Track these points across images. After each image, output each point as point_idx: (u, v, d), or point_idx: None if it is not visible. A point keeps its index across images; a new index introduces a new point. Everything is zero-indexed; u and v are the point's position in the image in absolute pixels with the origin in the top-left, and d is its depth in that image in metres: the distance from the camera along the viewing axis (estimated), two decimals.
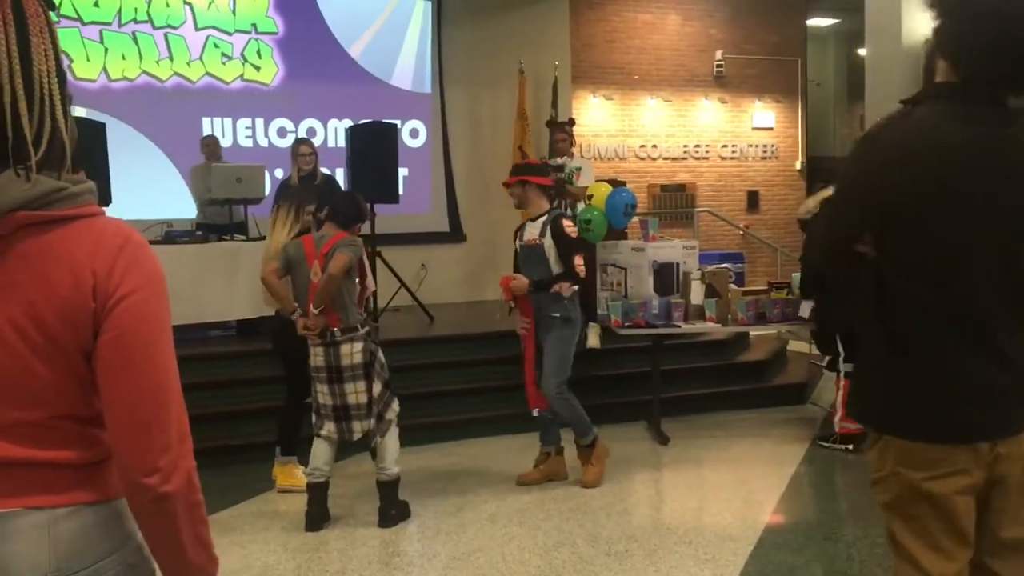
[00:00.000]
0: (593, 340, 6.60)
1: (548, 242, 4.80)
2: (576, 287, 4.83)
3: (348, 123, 8.85)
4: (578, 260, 4.77)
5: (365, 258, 4.83)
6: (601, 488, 4.97)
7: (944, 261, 1.82)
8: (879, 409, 1.96)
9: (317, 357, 4.39)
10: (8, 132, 1.13)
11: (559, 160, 7.09)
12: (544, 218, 4.85)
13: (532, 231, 4.88)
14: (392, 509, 4.49)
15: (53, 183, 1.17)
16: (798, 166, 12.41)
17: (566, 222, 4.84)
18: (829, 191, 5.51)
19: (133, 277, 1.19)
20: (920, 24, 9.13)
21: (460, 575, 3.84)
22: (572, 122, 7.74)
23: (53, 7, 1.22)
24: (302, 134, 9.25)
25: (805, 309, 5.78)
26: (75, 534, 1.21)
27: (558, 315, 4.82)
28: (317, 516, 4.45)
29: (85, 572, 1.21)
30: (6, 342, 1.14)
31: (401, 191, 7.92)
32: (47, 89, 1.17)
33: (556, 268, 4.79)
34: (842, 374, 5.61)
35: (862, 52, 10.70)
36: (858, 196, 1.90)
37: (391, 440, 4.47)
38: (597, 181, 7.00)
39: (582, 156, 9.77)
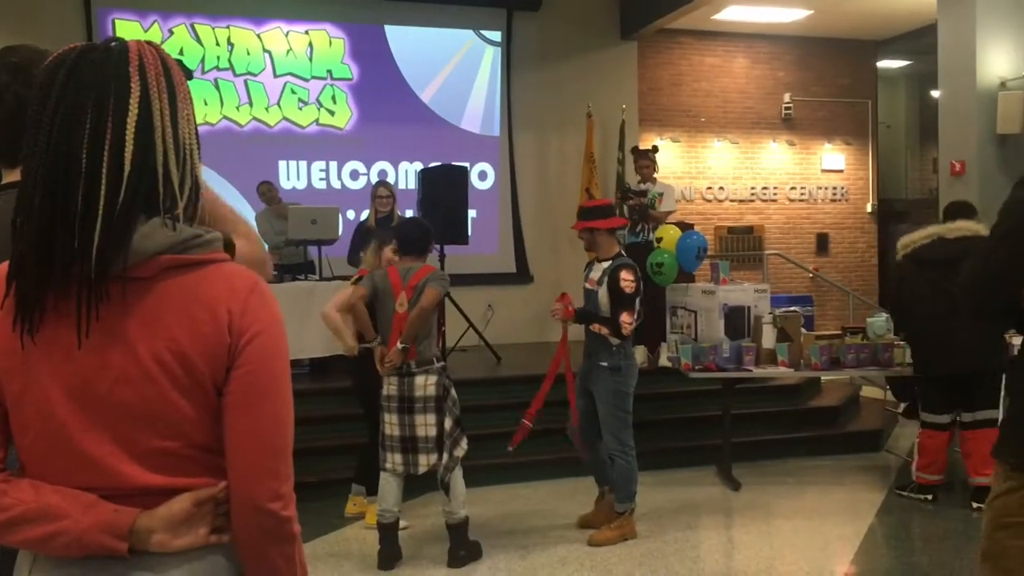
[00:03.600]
0: (639, 357, 6.59)
1: (604, 291, 4.75)
2: (616, 340, 4.72)
3: (419, 166, 9.03)
4: (625, 317, 4.65)
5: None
6: (674, 533, 4.93)
7: None
8: None
9: (391, 387, 4.42)
10: (159, 187, 1.24)
11: (643, 186, 7.34)
12: (608, 264, 4.80)
13: (596, 274, 4.88)
14: (461, 550, 4.50)
15: (192, 230, 1.27)
16: (869, 208, 12.24)
17: (625, 275, 4.69)
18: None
19: (263, 316, 1.29)
20: (994, 66, 9.00)
21: None
22: (656, 149, 7.94)
23: (191, 76, 1.35)
24: (374, 177, 9.47)
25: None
26: (208, 563, 1.28)
27: (605, 364, 4.74)
28: (389, 555, 4.49)
29: None
30: (150, 376, 1.22)
31: (470, 232, 8.03)
32: (189, 150, 1.29)
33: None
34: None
35: (935, 94, 10.56)
36: None
37: (456, 482, 4.47)
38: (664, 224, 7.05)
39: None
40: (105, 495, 1.23)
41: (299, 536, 1.32)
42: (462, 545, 4.51)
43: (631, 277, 4.70)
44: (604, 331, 4.69)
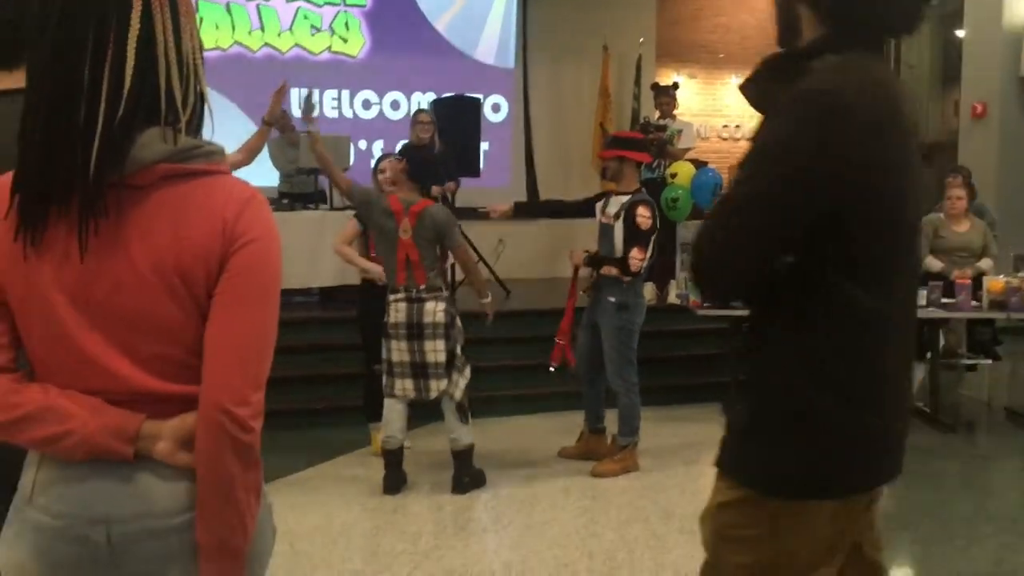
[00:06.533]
0: (648, 294, 6.62)
1: (620, 226, 4.73)
2: (627, 278, 4.70)
3: (432, 96, 8.93)
4: (636, 253, 4.62)
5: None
6: (676, 468, 4.98)
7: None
8: None
9: (398, 313, 4.41)
10: (162, 101, 1.25)
11: (663, 121, 7.41)
12: (627, 199, 4.77)
13: (613, 208, 4.85)
14: (465, 476, 4.57)
15: (191, 141, 1.28)
16: None
17: (642, 210, 4.66)
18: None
19: (258, 226, 1.29)
20: (1021, 7, 8.79)
21: (533, 543, 3.91)
22: (676, 86, 7.93)
23: None
24: (387, 106, 9.40)
25: None
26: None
27: (614, 300, 4.73)
28: (394, 480, 4.55)
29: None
30: (146, 283, 1.24)
31: (482, 165, 7.97)
32: (192, 64, 1.29)
33: (621, 252, 4.72)
34: None
35: (960, 34, 10.34)
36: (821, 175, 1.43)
37: (463, 409, 4.54)
38: (679, 161, 7.00)
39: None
40: (109, 399, 1.26)
41: (259, 455, 1.30)
42: (466, 471, 4.57)
43: (648, 213, 4.68)
44: (614, 272, 4.69)
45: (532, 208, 5.84)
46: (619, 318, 4.75)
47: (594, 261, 4.80)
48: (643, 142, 5.17)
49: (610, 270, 4.71)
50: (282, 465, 4.78)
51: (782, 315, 1.53)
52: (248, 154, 3.86)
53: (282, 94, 3.93)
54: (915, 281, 1.62)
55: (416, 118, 6.65)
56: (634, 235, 4.66)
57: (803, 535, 1.54)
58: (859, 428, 1.51)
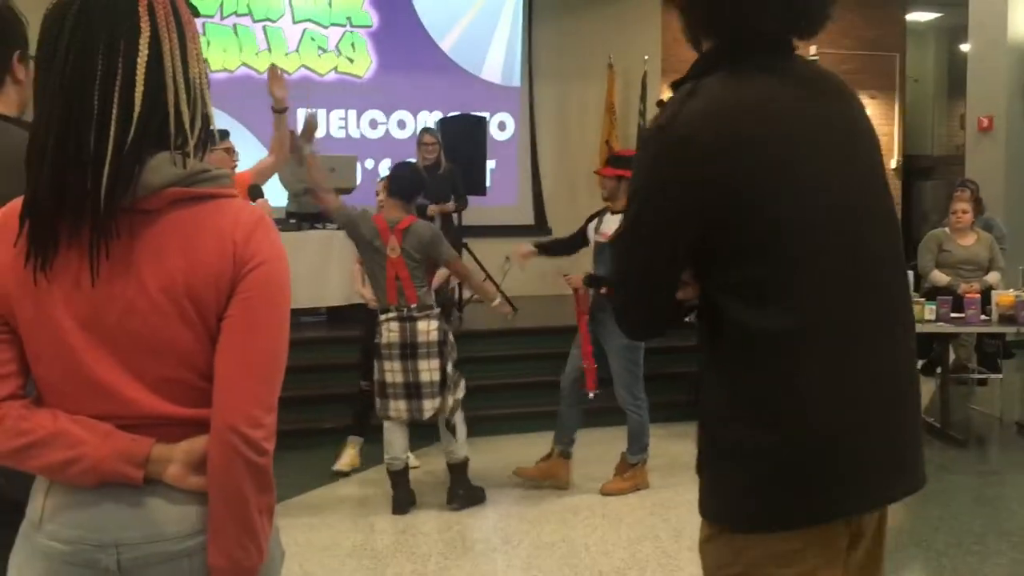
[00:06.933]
0: None
1: None
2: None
3: (438, 115, 8.98)
4: None
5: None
6: (686, 485, 4.94)
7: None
8: None
9: (391, 333, 4.38)
10: (171, 126, 1.26)
11: None
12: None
13: (610, 226, 4.83)
14: (460, 489, 4.57)
15: (199, 165, 1.29)
16: (893, 164, 12.06)
17: None
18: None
19: (267, 248, 1.30)
20: None
21: (543, 563, 3.89)
22: None
23: (198, 13, 1.36)
24: (393, 126, 9.44)
25: None
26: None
27: None
28: (403, 500, 4.54)
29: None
30: (157, 307, 1.24)
31: (488, 183, 8.00)
32: (199, 88, 1.31)
33: None
34: None
35: (964, 48, 10.35)
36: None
37: (458, 422, 4.53)
38: None
39: None
40: (119, 424, 1.26)
41: (272, 477, 1.29)
42: (461, 485, 4.57)
43: None
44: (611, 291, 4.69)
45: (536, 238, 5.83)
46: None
47: (593, 281, 4.79)
48: None
49: (610, 291, 4.70)
50: (291, 485, 4.78)
51: (707, 344, 1.52)
52: (277, 151, 3.85)
53: (275, 75, 3.87)
54: (866, 292, 1.48)
55: (421, 139, 6.68)
56: None
57: (786, 567, 1.46)
58: (785, 455, 1.42)
